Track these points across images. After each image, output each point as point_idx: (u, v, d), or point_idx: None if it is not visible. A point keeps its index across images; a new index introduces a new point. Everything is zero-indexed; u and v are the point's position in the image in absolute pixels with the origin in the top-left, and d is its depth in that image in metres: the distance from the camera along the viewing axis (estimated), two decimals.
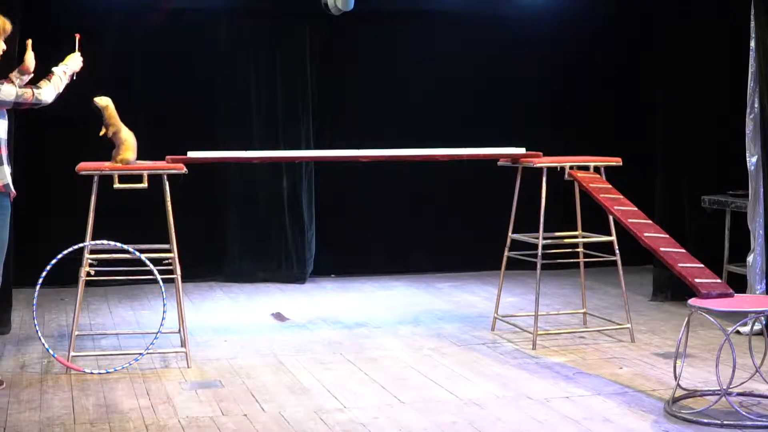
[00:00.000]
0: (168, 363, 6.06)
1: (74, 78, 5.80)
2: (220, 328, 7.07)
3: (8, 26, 5.52)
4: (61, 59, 5.76)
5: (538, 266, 6.47)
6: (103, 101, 6.07)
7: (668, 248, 5.65)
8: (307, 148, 8.88)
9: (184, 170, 6.07)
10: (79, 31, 5.90)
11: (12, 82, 5.55)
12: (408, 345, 6.57)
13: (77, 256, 5.91)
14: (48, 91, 5.58)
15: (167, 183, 6.00)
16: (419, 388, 5.53)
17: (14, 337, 6.73)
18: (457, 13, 9.10)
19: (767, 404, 5.15)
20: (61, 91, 5.68)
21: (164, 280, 5.87)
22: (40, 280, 5.82)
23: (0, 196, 5.49)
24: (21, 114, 6.50)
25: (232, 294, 8.48)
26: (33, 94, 5.51)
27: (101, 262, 6.03)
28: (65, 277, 6.43)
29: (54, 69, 5.68)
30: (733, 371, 4.91)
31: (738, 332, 6.38)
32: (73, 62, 5.80)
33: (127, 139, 6.05)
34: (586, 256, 6.89)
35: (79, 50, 5.87)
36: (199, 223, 8.80)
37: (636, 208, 6.17)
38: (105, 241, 5.93)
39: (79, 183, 6.42)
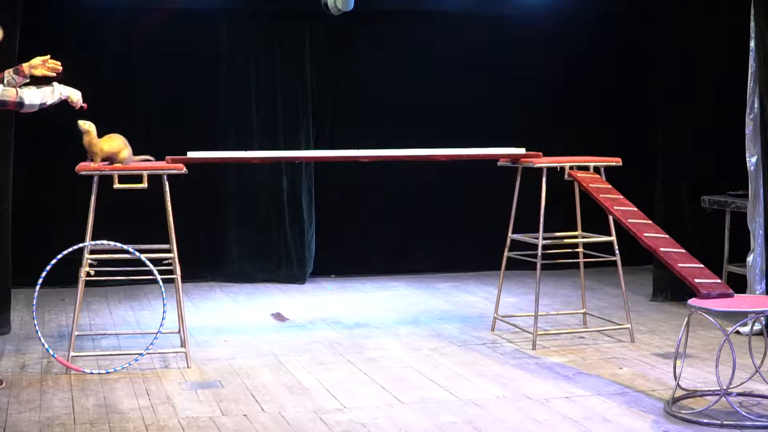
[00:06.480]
0: (168, 363, 6.06)
1: (64, 101, 5.47)
2: (220, 328, 7.06)
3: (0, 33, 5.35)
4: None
5: (538, 266, 6.47)
6: (86, 126, 5.87)
7: (668, 248, 5.65)
8: (307, 148, 8.88)
9: (184, 170, 6.07)
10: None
11: (2, 80, 5.36)
12: (408, 345, 6.56)
13: (77, 256, 5.91)
14: (33, 95, 5.27)
15: (167, 183, 6.00)
16: (419, 388, 5.53)
17: (14, 337, 6.73)
18: (457, 13, 9.09)
19: (767, 404, 5.15)
20: (47, 104, 5.35)
21: (164, 280, 5.86)
22: (40, 281, 5.81)
23: None
24: (18, 115, 6.46)
25: (232, 294, 8.47)
26: (17, 95, 5.22)
27: (101, 262, 6.03)
28: (65, 277, 6.43)
29: (54, 83, 5.40)
30: (733, 371, 4.91)
31: (738, 332, 6.38)
32: (74, 93, 5.48)
33: (113, 145, 5.92)
34: (586, 256, 6.89)
35: (79, 108, 5.56)
36: (199, 223, 8.80)
37: (636, 208, 6.17)
38: (105, 241, 5.93)
39: (78, 183, 6.42)
